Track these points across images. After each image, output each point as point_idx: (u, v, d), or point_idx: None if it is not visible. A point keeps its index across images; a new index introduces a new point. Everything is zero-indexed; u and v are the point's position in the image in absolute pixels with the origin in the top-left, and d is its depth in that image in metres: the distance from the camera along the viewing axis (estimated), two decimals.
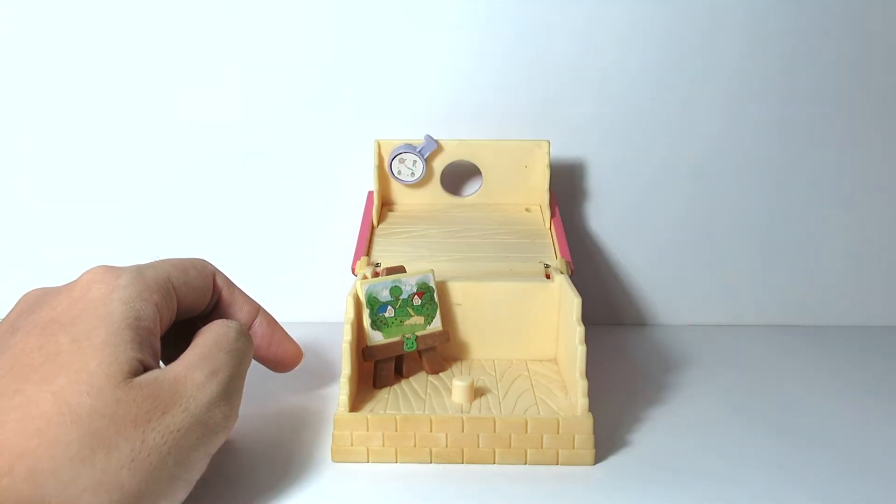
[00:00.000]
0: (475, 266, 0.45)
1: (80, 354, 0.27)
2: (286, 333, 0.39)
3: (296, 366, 0.39)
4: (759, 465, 0.35)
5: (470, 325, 0.42)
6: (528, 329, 0.40)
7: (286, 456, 0.35)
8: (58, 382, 0.26)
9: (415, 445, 0.34)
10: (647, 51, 0.51)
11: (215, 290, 0.36)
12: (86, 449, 0.25)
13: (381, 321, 0.39)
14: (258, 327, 0.38)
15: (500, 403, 0.36)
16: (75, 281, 0.32)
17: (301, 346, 0.39)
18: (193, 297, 0.35)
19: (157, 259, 0.35)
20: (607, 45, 0.51)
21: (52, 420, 0.25)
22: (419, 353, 0.40)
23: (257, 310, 0.38)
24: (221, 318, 0.35)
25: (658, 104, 0.52)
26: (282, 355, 0.38)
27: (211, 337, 0.32)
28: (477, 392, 0.37)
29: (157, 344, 0.31)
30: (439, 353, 0.41)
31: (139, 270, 0.32)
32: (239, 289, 0.38)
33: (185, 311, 0.35)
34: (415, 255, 0.45)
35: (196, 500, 0.29)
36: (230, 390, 0.30)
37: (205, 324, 0.34)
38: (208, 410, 0.29)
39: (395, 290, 0.39)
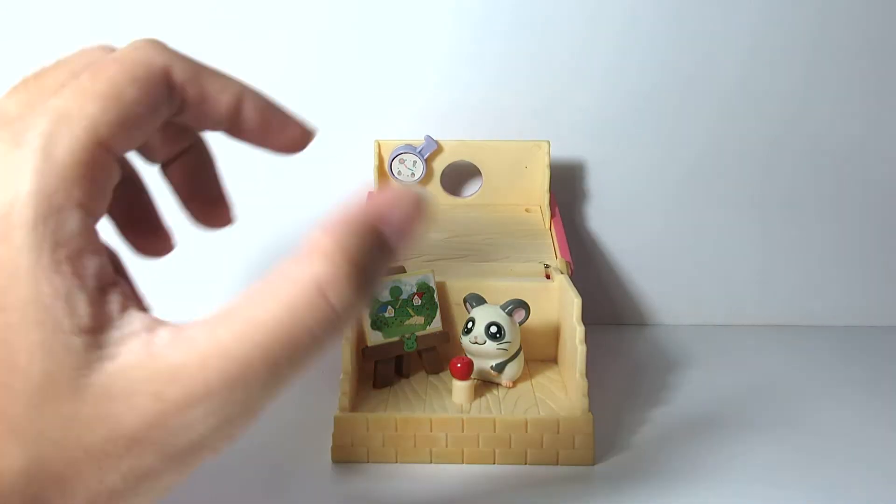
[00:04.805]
0: (475, 266, 0.45)
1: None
2: (285, 113, 0.26)
3: (306, 146, 0.28)
4: (758, 464, 0.35)
5: None
6: (528, 329, 0.40)
7: (286, 456, 0.35)
8: None
9: (415, 445, 0.34)
10: (646, 51, 0.51)
11: (173, 96, 0.23)
12: None
13: (381, 321, 0.39)
14: (248, 115, 0.25)
15: (500, 404, 0.36)
16: None
17: (308, 129, 0.27)
18: (138, 129, 0.21)
19: (62, 86, 0.21)
20: (607, 45, 0.51)
21: None
22: (419, 353, 0.40)
23: (240, 93, 0.24)
24: (193, 118, 0.24)
25: (658, 104, 0.52)
26: (285, 141, 0.27)
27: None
28: (477, 392, 0.37)
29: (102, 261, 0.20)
30: (439, 353, 0.41)
31: (38, 163, 0.19)
32: (210, 72, 0.24)
33: (135, 142, 0.22)
34: (415, 255, 0.45)
35: (196, 499, 0.29)
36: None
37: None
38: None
39: (395, 291, 0.39)
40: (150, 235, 0.27)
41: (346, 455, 0.34)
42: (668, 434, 0.38)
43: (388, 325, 0.39)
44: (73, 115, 0.19)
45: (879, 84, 0.52)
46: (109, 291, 0.19)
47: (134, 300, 0.21)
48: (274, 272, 0.20)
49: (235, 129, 0.24)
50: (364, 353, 0.38)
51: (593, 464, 0.34)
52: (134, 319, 0.19)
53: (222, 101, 0.24)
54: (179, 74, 0.23)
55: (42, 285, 0.18)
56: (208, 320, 0.19)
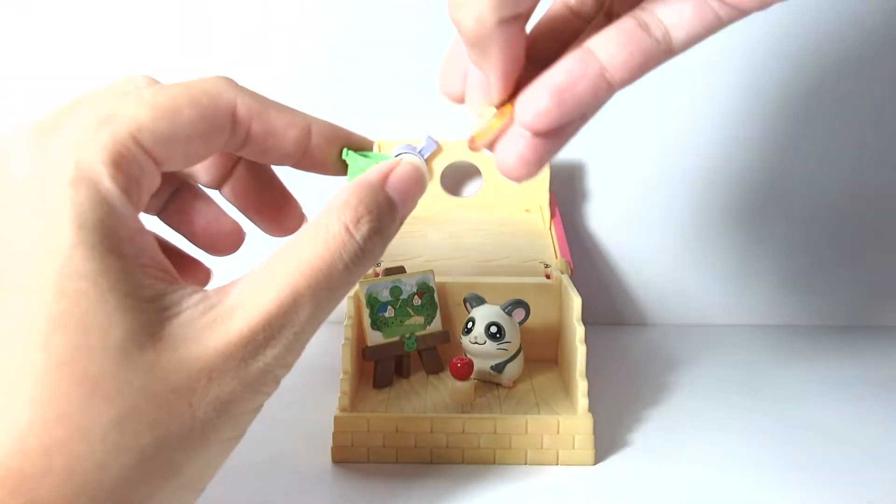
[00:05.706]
0: (475, 266, 0.45)
1: None
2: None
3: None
4: (758, 464, 0.35)
5: None
6: (528, 329, 0.40)
7: (286, 456, 0.35)
8: None
9: (415, 445, 0.34)
10: None
11: (237, 128, 0.24)
12: None
13: (381, 321, 0.39)
14: (316, 147, 0.26)
15: (500, 404, 0.36)
16: None
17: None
18: (187, 151, 0.23)
19: (135, 86, 0.23)
20: None
21: None
22: (419, 353, 0.40)
23: (307, 127, 0.26)
24: (258, 152, 0.25)
25: (658, 105, 0.52)
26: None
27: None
28: (477, 392, 0.37)
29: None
30: (439, 353, 0.41)
31: (79, 149, 0.20)
32: (277, 109, 0.25)
33: (181, 162, 0.23)
34: (415, 255, 0.45)
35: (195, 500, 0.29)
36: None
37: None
38: None
39: (395, 291, 0.39)
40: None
41: (346, 455, 0.34)
42: (668, 434, 0.38)
43: (388, 325, 0.39)
44: (121, 115, 0.21)
45: (879, 84, 0.52)
46: (158, 265, 0.21)
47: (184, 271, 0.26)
48: (306, 226, 0.23)
49: (305, 162, 0.26)
50: (364, 353, 0.38)
51: (593, 464, 0.34)
52: (186, 286, 0.21)
53: (289, 136, 0.25)
54: (245, 110, 0.24)
55: (106, 259, 0.20)
56: (249, 273, 0.22)
